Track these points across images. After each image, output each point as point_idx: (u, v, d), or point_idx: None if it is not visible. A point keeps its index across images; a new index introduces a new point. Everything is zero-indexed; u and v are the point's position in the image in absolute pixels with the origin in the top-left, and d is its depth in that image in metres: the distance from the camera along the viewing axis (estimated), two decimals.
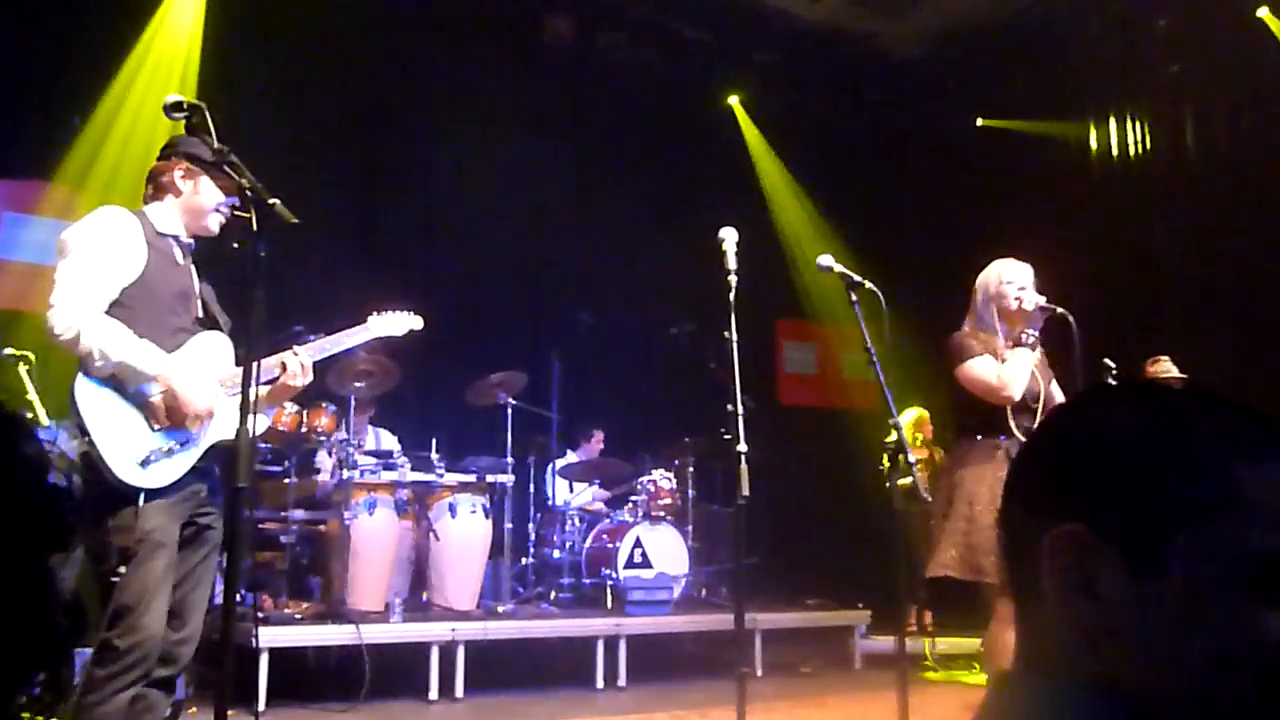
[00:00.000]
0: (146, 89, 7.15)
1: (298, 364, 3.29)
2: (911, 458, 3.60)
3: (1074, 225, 8.64)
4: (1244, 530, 0.77)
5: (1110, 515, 0.80)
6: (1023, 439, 3.43)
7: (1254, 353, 7.27)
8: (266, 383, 3.29)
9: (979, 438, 3.72)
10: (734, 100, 9.77)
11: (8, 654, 0.79)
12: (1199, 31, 8.07)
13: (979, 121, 9.81)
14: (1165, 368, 6.03)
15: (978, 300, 3.91)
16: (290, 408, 5.73)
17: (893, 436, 3.61)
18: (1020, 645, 0.87)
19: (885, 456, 3.47)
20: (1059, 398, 3.85)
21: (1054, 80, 9.05)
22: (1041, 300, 3.79)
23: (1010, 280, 3.84)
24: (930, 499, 3.87)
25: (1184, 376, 5.69)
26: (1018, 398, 3.67)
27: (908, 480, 3.93)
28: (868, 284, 3.54)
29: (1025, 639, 0.87)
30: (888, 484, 3.57)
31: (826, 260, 3.59)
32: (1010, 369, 3.69)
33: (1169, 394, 0.86)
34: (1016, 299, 3.80)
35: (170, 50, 7.35)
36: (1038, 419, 3.70)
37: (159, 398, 3.00)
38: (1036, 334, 3.77)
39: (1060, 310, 3.77)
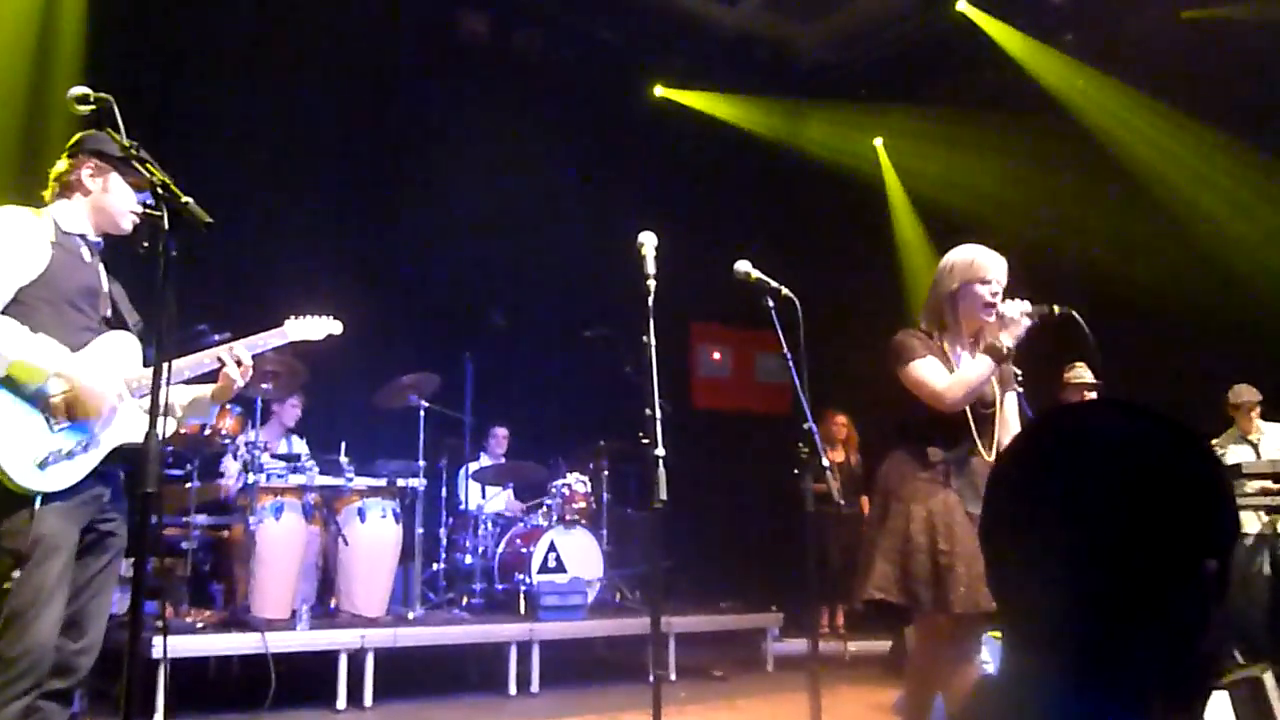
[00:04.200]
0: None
1: (233, 359, 3.23)
2: (825, 462, 3.61)
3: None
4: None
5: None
6: (984, 452, 3.30)
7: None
8: (197, 380, 3.23)
9: (922, 451, 3.34)
10: (658, 90, 9.81)
11: None
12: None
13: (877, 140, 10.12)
14: (1080, 374, 6.05)
15: (938, 291, 3.43)
16: None
17: (807, 441, 3.61)
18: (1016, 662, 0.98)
19: (799, 460, 3.45)
20: (1012, 409, 3.45)
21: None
22: (1027, 307, 3.27)
23: (984, 278, 3.34)
24: (843, 503, 3.86)
25: (1098, 383, 5.73)
26: (962, 408, 3.29)
27: (822, 485, 3.86)
28: (785, 290, 3.55)
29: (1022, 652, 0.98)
30: (801, 487, 3.53)
31: (744, 266, 3.59)
32: (962, 376, 3.28)
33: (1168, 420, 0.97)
34: (989, 303, 3.33)
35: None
36: (996, 430, 3.36)
37: (60, 396, 2.88)
38: (1012, 346, 3.26)
39: (1060, 310, 3.23)
